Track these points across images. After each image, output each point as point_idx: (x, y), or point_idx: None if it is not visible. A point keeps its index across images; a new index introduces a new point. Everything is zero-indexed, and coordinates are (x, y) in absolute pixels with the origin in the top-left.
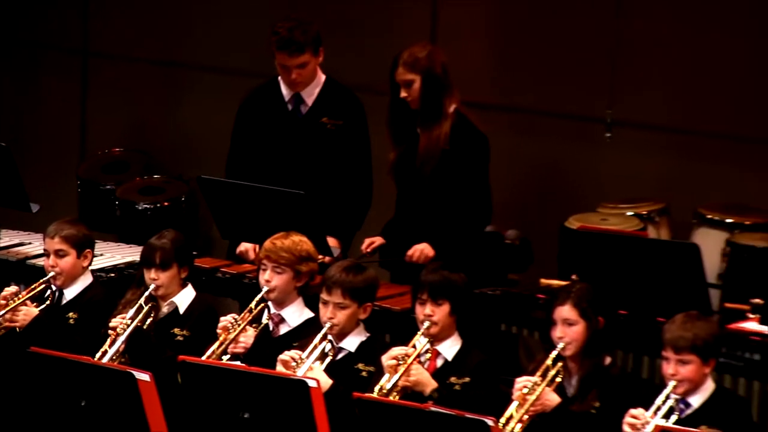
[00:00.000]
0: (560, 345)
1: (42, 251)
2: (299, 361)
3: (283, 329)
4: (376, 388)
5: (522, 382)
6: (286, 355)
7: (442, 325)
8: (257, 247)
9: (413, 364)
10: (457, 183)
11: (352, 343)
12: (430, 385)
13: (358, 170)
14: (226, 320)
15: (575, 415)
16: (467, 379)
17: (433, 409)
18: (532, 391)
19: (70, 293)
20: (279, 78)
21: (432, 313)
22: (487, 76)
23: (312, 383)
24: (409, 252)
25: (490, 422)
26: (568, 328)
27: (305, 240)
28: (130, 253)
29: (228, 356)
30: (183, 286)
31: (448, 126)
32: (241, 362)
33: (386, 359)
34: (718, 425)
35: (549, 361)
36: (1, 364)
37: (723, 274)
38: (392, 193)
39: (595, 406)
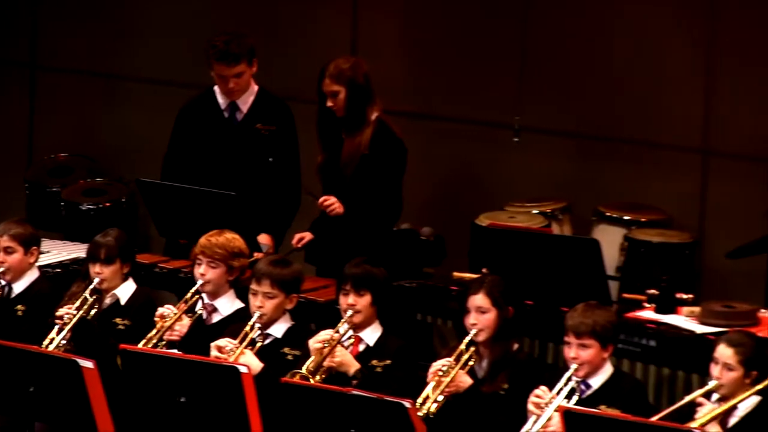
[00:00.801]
0: (473, 331)
1: None
2: (231, 348)
3: (216, 318)
4: (304, 368)
5: (437, 365)
6: (219, 342)
7: (364, 314)
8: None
9: (338, 347)
10: (372, 184)
11: (279, 329)
12: (354, 366)
13: (288, 172)
14: (163, 310)
15: (486, 396)
16: (388, 362)
17: (354, 392)
18: (447, 373)
19: (18, 287)
20: (215, 88)
21: (355, 303)
22: (405, 85)
23: (243, 369)
24: (293, 240)
25: (407, 404)
26: (480, 316)
27: (237, 237)
28: (75, 250)
29: (164, 343)
30: (124, 279)
31: (369, 133)
32: (177, 349)
33: (313, 342)
34: (615, 405)
35: (462, 346)
36: None
37: (621, 267)
38: (320, 193)
39: (504, 388)
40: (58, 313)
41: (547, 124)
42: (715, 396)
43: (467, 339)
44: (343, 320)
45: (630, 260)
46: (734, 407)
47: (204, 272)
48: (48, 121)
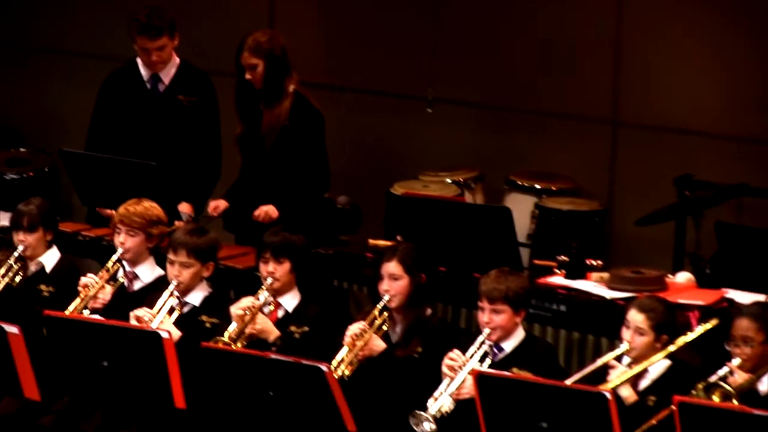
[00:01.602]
0: (386, 297)
1: None
2: (149, 318)
3: (137, 285)
4: (225, 335)
5: (352, 330)
6: (137, 313)
7: (283, 281)
8: None
9: (258, 314)
10: (296, 155)
11: (196, 297)
12: (274, 333)
13: (209, 142)
14: (86, 280)
15: (400, 360)
16: (306, 329)
17: (273, 356)
18: (361, 337)
19: None
20: (138, 60)
21: (274, 270)
22: (321, 58)
23: (164, 334)
24: (256, 212)
25: (324, 368)
26: (394, 282)
27: (155, 206)
28: None
29: (89, 312)
30: (48, 247)
31: (288, 104)
32: (101, 316)
33: (234, 309)
34: (527, 368)
35: (376, 312)
36: None
37: (532, 234)
38: (239, 163)
39: (418, 352)
40: None
41: (459, 95)
42: (626, 359)
43: (381, 305)
44: (262, 287)
45: (541, 228)
46: (645, 370)
47: (123, 241)
48: None
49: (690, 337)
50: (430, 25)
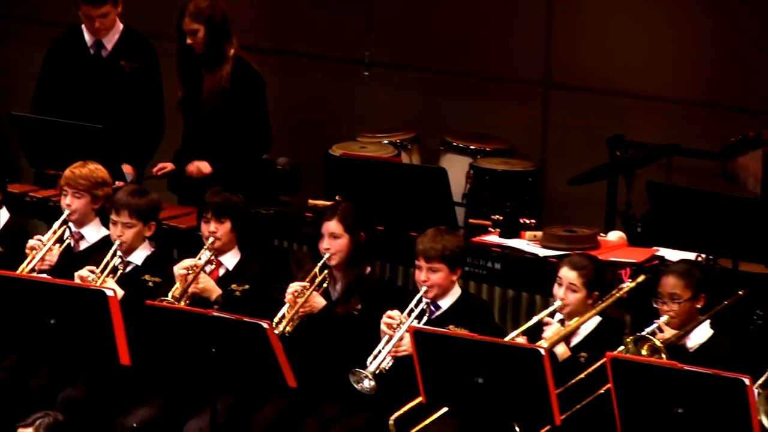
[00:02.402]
0: (327, 255)
1: None
2: (95, 275)
3: (83, 245)
4: (169, 294)
5: (293, 287)
6: (81, 273)
7: (224, 240)
8: None
9: (200, 274)
10: (238, 117)
11: (139, 257)
12: (216, 292)
13: (151, 106)
14: (33, 242)
15: (339, 316)
16: (247, 287)
17: (215, 314)
18: (302, 294)
19: None
20: (82, 26)
21: (216, 230)
22: (260, 22)
23: (109, 292)
24: (188, 167)
25: (265, 325)
26: (334, 241)
27: (100, 168)
28: None
29: (36, 272)
30: None
31: (228, 68)
32: (48, 275)
33: (177, 269)
34: (464, 325)
35: (316, 269)
36: None
37: (467, 194)
38: (180, 126)
39: (357, 308)
40: None
41: (395, 58)
42: (558, 316)
43: (321, 263)
44: (204, 247)
45: (476, 187)
46: (577, 327)
47: (70, 203)
48: None
49: (620, 293)
50: None
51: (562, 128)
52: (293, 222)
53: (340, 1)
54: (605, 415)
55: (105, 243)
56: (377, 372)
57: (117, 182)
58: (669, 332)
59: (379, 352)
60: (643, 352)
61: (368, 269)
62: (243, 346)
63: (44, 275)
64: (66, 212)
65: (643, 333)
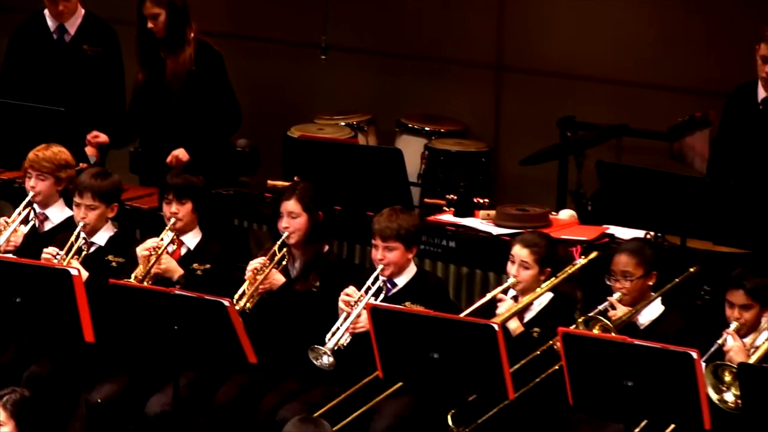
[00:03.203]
0: (285, 234)
1: None
2: (59, 257)
3: (48, 226)
4: (133, 276)
5: (253, 264)
6: (46, 253)
7: (186, 221)
8: None
9: (163, 254)
10: (206, 97)
11: (102, 237)
12: (178, 272)
13: (113, 89)
14: None
15: (298, 293)
16: (208, 266)
17: (177, 292)
18: (262, 272)
19: None
20: (45, 12)
21: (177, 211)
22: (220, 7)
23: (74, 272)
24: (168, 159)
25: (225, 302)
26: (292, 220)
27: (63, 150)
28: None
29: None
30: None
31: (191, 50)
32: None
33: (140, 250)
34: (419, 302)
35: (276, 248)
36: None
37: (422, 174)
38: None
39: (316, 285)
40: None
41: (352, 42)
42: (512, 292)
43: (280, 241)
44: (166, 228)
45: (430, 168)
46: (530, 303)
47: (34, 185)
48: None
49: (571, 269)
50: None
51: (514, 110)
52: (253, 202)
53: None
54: (558, 389)
55: (69, 223)
56: (335, 348)
57: (80, 164)
58: (622, 309)
59: (338, 329)
60: (595, 331)
61: (326, 247)
62: (204, 323)
63: (10, 255)
64: (30, 194)
65: (596, 310)
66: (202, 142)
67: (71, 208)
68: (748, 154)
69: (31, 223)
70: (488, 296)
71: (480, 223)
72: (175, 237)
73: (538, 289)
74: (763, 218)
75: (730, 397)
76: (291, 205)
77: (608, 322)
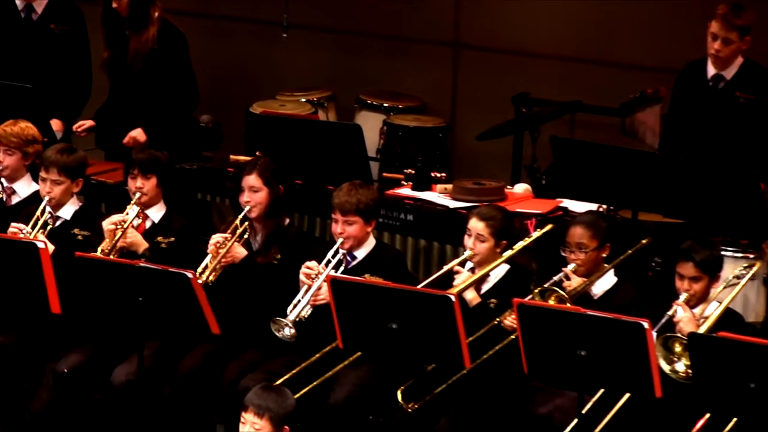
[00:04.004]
0: (247, 208)
1: None
2: (24, 235)
3: (15, 200)
4: (99, 249)
5: (215, 238)
6: (14, 227)
7: (151, 195)
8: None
9: (128, 228)
10: (165, 77)
11: (67, 212)
12: (143, 245)
13: (79, 66)
14: None
15: (260, 266)
16: (172, 239)
17: (142, 264)
18: (224, 245)
19: None
20: None
21: (142, 185)
22: None
23: (40, 245)
24: (125, 139)
25: (189, 274)
26: (253, 194)
27: (30, 126)
28: None
29: None
30: None
31: (154, 30)
32: None
33: (106, 224)
34: (378, 274)
35: (238, 222)
36: None
37: (381, 149)
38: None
39: (277, 258)
40: None
41: (312, 20)
42: (469, 264)
43: (242, 215)
44: (132, 202)
45: (389, 143)
46: (487, 274)
47: (2, 159)
48: None
49: (527, 241)
50: None
51: (470, 87)
52: (216, 177)
53: None
54: (513, 358)
55: (35, 197)
56: (297, 320)
57: (46, 139)
58: (576, 280)
59: (299, 301)
60: (551, 302)
61: (287, 221)
62: (169, 294)
63: None
64: None
65: (551, 281)
66: (160, 120)
67: (38, 183)
68: (698, 129)
69: None
70: (445, 268)
71: (437, 196)
72: (140, 211)
73: (495, 262)
74: (712, 192)
75: (680, 367)
76: (252, 179)
77: (563, 293)
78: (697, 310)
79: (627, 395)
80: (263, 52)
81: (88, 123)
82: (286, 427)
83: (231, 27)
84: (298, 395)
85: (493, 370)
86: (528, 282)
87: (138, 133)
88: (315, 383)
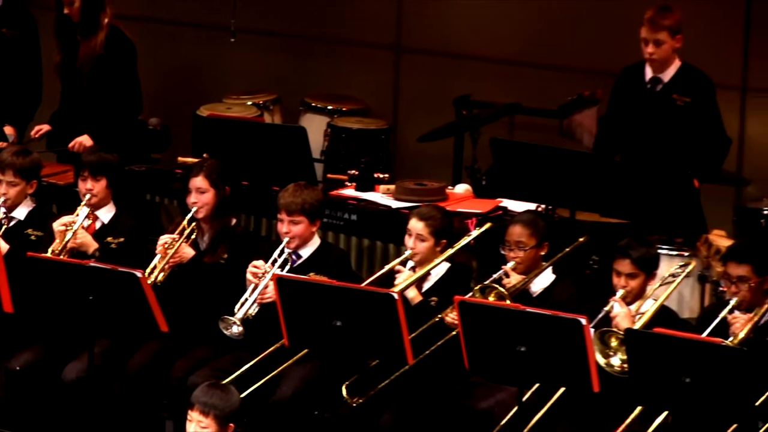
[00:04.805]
0: (194, 209)
1: None
2: None
3: None
4: (50, 250)
5: (163, 239)
6: None
7: (100, 196)
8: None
9: (79, 229)
10: (111, 82)
11: (21, 212)
12: (93, 246)
13: (30, 71)
14: None
15: (207, 265)
16: (122, 239)
17: (92, 264)
18: (172, 246)
19: None
20: None
21: (92, 187)
22: None
23: None
24: (71, 144)
25: (138, 274)
26: (200, 195)
27: None
28: None
29: None
30: None
31: (102, 36)
32: None
33: (57, 225)
34: (323, 272)
35: (185, 222)
36: None
37: (325, 150)
38: (58, 89)
39: (224, 258)
40: None
41: (259, 25)
42: (410, 263)
43: (189, 216)
44: (82, 203)
45: (333, 145)
46: (428, 273)
47: None
48: None
49: (465, 240)
50: None
51: (412, 89)
52: (164, 178)
53: None
54: (454, 354)
55: None
56: (244, 318)
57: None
58: (515, 278)
59: (246, 299)
60: (491, 298)
61: (234, 221)
62: (118, 293)
63: None
64: None
65: (491, 279)
66: (105, 125)
67: None
68: (635, 130)
69: None
70: (386, 267)
71: (380, 197)
72: (90, 212)
73: (435, 261)
74: (647, 191)
75: (616, 361)
76: (199, 181)
77: (503, 290)
78: (633, 307)
79: (562, 389)
80: (211, 56)
81: (45, 128)
82: (232, 424)
83: (180, 32)
84: (245, 393)
85: (435, 365)
86: (468, 280)
87: (84, 139)
88: (262, 381)
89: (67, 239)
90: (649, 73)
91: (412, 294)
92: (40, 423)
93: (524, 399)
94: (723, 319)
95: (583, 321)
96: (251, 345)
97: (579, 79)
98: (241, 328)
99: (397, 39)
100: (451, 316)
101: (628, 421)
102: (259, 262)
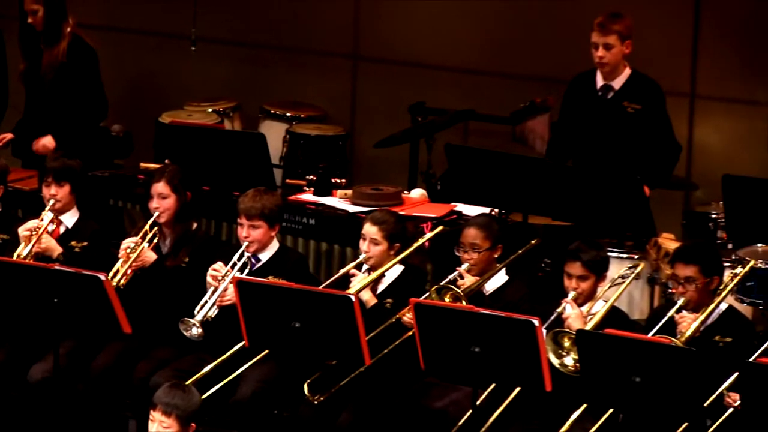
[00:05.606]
0: (156, 213)
1: None
2: None
3: None
4: (15, 254)
5: (126, 243)
6: None
7: (64, 201)
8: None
9: (43, 234)
10: (74, 89)
11: None
12: (57, 250)
13: None
14: None
15: (169, 269)
16: (85, 243)
17: (57, 267)
18: (134, 250)
19: None
20: None
21: (56, 192)
22: (96, 3)
23: None
24: (34, 146)
25: (102, 277)
26: (162, 200)
27: None
28: None
29: None
30: None
31: (65, 44)
32: None
33: (22, 230)
34: (282, 275)
35: (147, 227)
36: None
37: (284, 156)
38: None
39: (185, 261)
40: None
41: (219, 34)
42: (365, 266)
43: (151, 220)
44: (46, 209)
45: (292, 151)
46: (382, 275)
47: None
48: None
49: (418, 243)
50: None
51: (369, 96)
52: (127, 184)
53: None
54: (410, 354)
55: None
56: (204, 320)
57: None
58: (470, 279)
59: (206, 302)
60: (446, 299)
61: (195, 225)
62: (82, 296)
63: None
64: None
65: (446, 280)
66: (69, 129)
67: None
68: (586, 137)
69: None
70: (342, 271)
71: (338, 201)
72: (54, 217)
73: (389, 263)
74: (598, 195)
75: (569, 361)
76: (160, 186)
77: (459, 291)
78: (584, 308)
79: (517, 389)
80: (172, 64)
81: (8, 136)
82: (193, 424)
83: (141, 40)
84: (206, 394)
85: (391, 366)
86: (422, 282)
87: (47, 140)
88: (224, 382)
89: (32, 243)
90: (600, 80)
91: (367, 297)
92: (6, 422)
93: (479, 400)
94: (670, 318)
95: (536, 322)
96: (213, 346)
97: (531, 86)
98: (200, 330)
99: (355, 48)
100: (409, 317)
101: (572, 418)
102: (219, 265)
